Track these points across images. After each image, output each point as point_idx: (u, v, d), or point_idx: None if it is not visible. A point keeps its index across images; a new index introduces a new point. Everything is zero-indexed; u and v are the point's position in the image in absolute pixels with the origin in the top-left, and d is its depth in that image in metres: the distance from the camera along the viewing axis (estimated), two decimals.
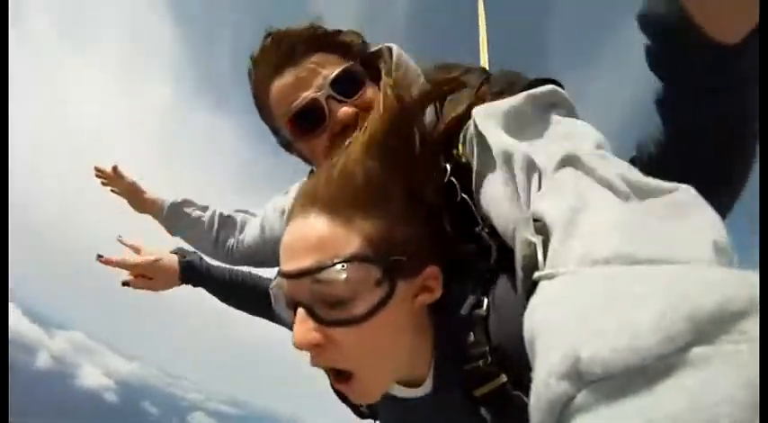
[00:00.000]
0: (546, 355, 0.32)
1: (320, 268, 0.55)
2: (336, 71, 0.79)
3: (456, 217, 0.65)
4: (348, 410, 0.77)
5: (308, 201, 0.60)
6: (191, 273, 1.21)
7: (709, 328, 0.25)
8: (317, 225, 0.58)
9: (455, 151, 0.67)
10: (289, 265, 0.58)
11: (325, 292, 0.56)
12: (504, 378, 0.58)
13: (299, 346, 0.56)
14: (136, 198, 1.39)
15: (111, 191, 1.38)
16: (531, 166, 0.52)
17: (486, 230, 0.62)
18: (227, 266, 1.26)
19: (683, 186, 0.41)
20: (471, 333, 0.60)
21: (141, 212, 1.40)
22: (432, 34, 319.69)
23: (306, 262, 0.56)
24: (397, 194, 0.61)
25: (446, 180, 0.66)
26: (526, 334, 0.37)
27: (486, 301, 0.61)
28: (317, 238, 0.57)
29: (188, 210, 1.36)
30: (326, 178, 0.61)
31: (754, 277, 0.28)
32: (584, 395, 0.28)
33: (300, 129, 0.81)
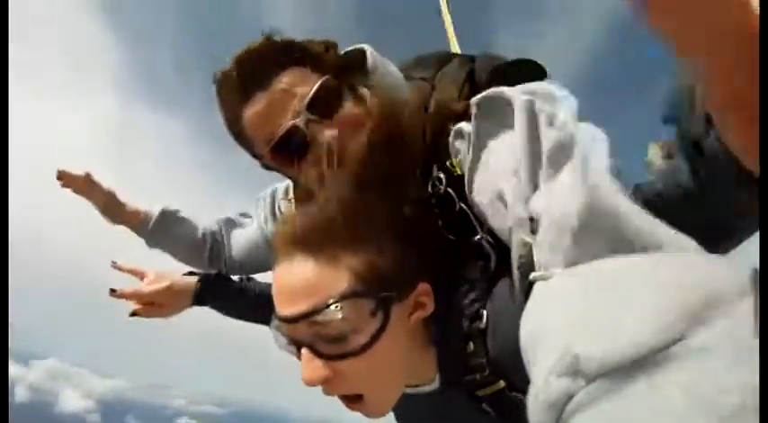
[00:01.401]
0: (544, 355, 0.32)
1: (315, 311, 0.56)
2: (312, 91, 0.71)
3: (454, 227, 0.65)
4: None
5: (291, 243, 0.60)
6: (207, 294, 1.08)
7: (705, 315, 0.25)
8: (303, 269, 0.58)
9: (448, 162, 0.66)
10: (284, 310, 0.58)
11: (323, 331, 0.57)
12: (502, 384, 0.62)
13: (310, 384, 0.57)
14: (114, 208, 1.14)
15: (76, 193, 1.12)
16: (529, 166, 0.50)
17: (487, 238, 0.63)
18: (238, 277, 1.14)
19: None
20: (469, 346, 0.62)
21: (117, 224, 1.16)
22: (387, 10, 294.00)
23: (300, 307, 0.57)
24: (380, 221, 0.60)
25: (443, 191, 0.66)
26: (523, 335, 0.38)
27: (485, 313, 0.61)
28: (306, 282, 0.57)
29: (180, 221, 1.18)
30: (307, 220, 0.60)
31: (739, 261, 0.30)
32: (585, 393, 0.27)
33: (283, 157, 0.75)
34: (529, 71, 0.75)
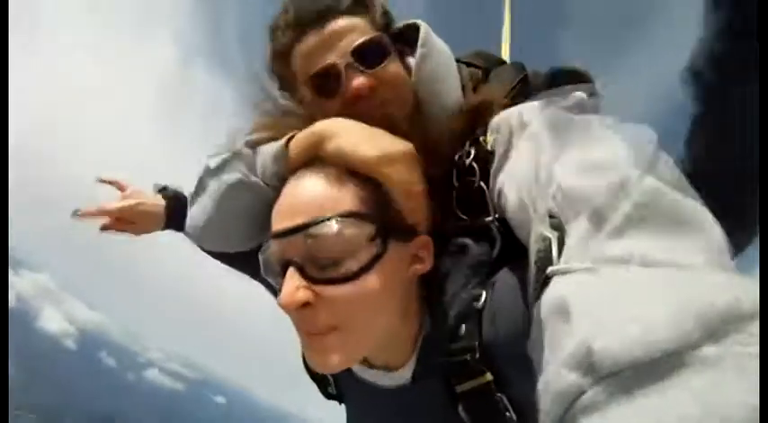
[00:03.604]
0: (559, 347, 0.32)
1: (314, 223, 0.54)
2: (361, 40, 0.72)
3: (469, 203, 0.64)
4: (311, 390, 0.73)
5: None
6: (178, 217, 1.00)
7: (720, 328, 0.26)
8: (311, 185, 0.58)
9: (482, 138, 0.65)
10: (282, 223, 0.56)
11: (318, 247, 0.54)
12: (489, 377, 0.56)
13: (287, 306, 0.52)
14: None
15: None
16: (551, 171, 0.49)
17: (497, 224, 0.61)
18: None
19: (692, 202, 0.40)
20: (463, 325, 0.58)
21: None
22: (453, 24, 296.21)
23: (299, 219, 0.55)
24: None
25: (467, 164, 0.65)
26: (534, 329, 0.38)
27: (484, 295, 0.59)
28: (311, 197, 0.57)
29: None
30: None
31: (759, 282, 0.29)
32: (595, 392, 0.28)
33: (316, 91, 0.75)
34: (577, 78, 0.72)
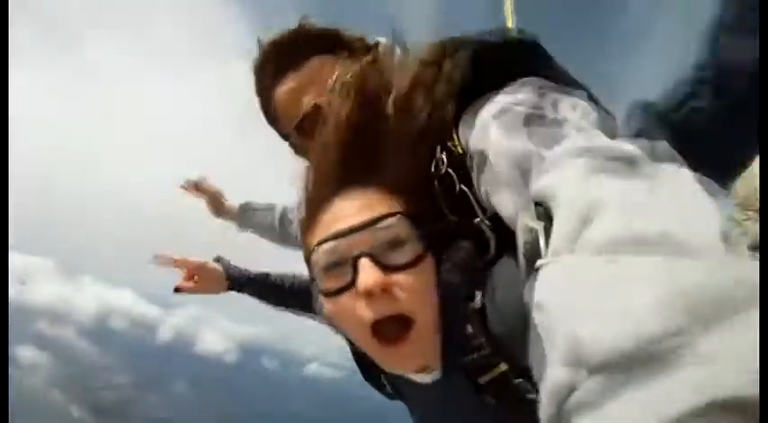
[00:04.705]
0: (549, 342, 0.32)
1: (382, 217, 0.62)
2: (335, 75, 0.81)
3: (455, 209, 0.67)
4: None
5: (344, 184, 0.67)
6: (239, 282, 1.36)
7: (713, 315, 0.25)
8: (361, 195, 0.65)
9: (450, 143, 0.67)
10: (348, 222, 0.63)
11: (386, 236, 0.61)
12: (503, 366, 0.60)
13: (373, 288, 0.58)
14: (217, 206, 1.67)
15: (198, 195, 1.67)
16: (532, 155, 0.52)
17: (487, 223, 0.64)
18: (268, 271, 1.38)
19: (684, 170, 0.40)
20: (468, 325, 0.62)
21: (218, 217, 1.68)
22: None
23: (365, 216, 0.62)
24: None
25: (443, 172, 0.68)
26: (534, 325, 0.37)
27: (478, 294, 0.63)
28: (367, 202, 0.64)
29: (254, 210, 1.61)
30: (367, 161, 0.67)
31: (755, 265, 0.27)
32: (587, 388, 0.27)
33: (307, 134, 0.84)
34: (529, 53, 0.69)
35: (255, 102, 0.92)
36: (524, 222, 0.44)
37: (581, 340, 0.28)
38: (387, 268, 0.60)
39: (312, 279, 0.69)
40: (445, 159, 0.67)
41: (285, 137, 0.94)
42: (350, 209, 0.64)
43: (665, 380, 0.24)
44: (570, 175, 0.42)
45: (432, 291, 0.63)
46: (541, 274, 0.38)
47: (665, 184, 0.38)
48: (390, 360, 0.63)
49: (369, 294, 0.58)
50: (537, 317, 0.35)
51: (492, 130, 0.58)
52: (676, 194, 0.37)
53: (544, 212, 0.42)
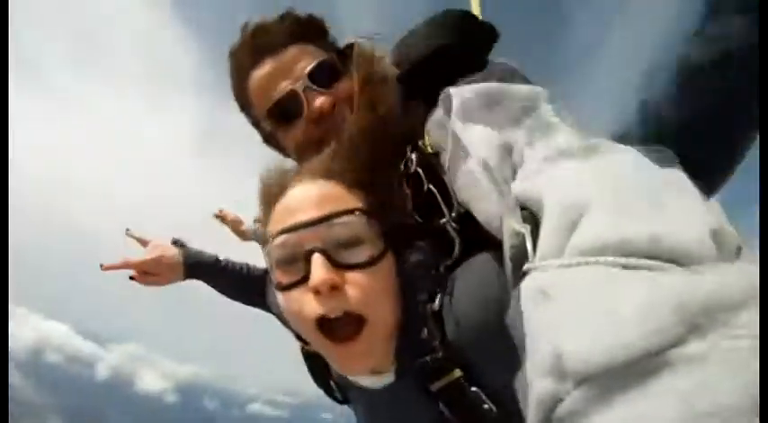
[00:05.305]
0: (533, 354, 0.31)
1: (339, 214, 0.60)
2: (313, 63, 0.80)
3: (422, 208, 0.67)
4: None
5: (308, 172, 0.67)
6: (194, 269, 1.23)
7: (703, 321, 0.24)
8: (320, 187, 0.64)
9: (421, 141, 0.68)
10: (305, 215, 0.61)
11: (342, 233, 0.60)
12: (457, 373, 0.58)
13: (320, 285, 0.57)
14: (238, 229, 2.02)
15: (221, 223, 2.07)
16: (507, 152, 0.51)
17: (453, 224, 0.62)
18: (226, 259, 1.28)
19: (674, 170, 0.40)
20: (424, 328, 0.61)
21: (243, 240, 2.01)
22: None
23: (324, 210, 0.61)
24: (380, 181, 0.67)
25: (413, 170, 0.68)
26: (513, 330, 0.38)
27: (438, 296, 0.61)
28: (325, 195, 0.63)
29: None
30: (332, 153, 0.69)
31: (751, 267, 0.27)
32: (573, 399, 0.26)
33: (279, 118, 0.82)
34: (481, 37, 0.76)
35: (229, 87, 0.89)
36: (510, 226, 0.44)
37: (562, 353, 0.27)
38: (340, 266, 0.59)
39: (266, 271, 0.75)
40: (414, 158, 0.68)
41: (255, 124, 0.92)
42: (307, 201, 0.62)
43: (654, 388, 0.23)
44: (557, 178, 0.42)
45: (388, 291, 0.61)
46: (528, 279, 0.37)
47: (656, 185, 0.37)
48: (340, 359, 0.61)
49: (317, 291, 0.57)
50: (524, 322, 0.34)
51: (461, 126, 0.58)
52: (667, 196, 0.36)
53: (530, 216, 0.42)
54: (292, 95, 0.79)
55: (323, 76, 0.80)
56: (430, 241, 0.64)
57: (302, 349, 0.78)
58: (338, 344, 0.59)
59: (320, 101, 0.78)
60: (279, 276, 0.62)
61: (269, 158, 0.80)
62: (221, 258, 1.27)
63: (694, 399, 0.22)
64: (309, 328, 0.60)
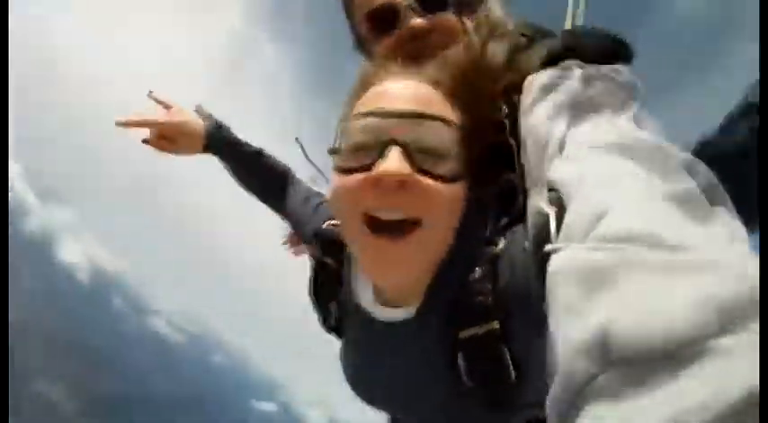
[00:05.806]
0: (572, 330, 0.31)
1: (435, 117, 0.58)
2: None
3: (499, 158, 0.66)
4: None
5: (415, 73, 0.65)
6: (216, 141, 1.09)
7: (739, 319, 0.25)
8: (424, 88, 0.62)
9: (516, 98, 0.66)
10: (400, 105, 0.59)
11: (429, 138, 0.57)
12: (496, 325, 0.57)
13: (392, 174, 0.54)
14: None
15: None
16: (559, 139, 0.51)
17: (518, 179, 0.61)
18: (251, 143, 1.15)
19: (719, 188, 0.39)
20: (478, 268, 0.59)
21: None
22: None
23: (420, 107, 0.59)
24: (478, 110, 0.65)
25: (502, 119, 0.67)
26: (546, 298, 0.37)
27: (502, 241, 0.60)
28: (426, 96, 0.61)
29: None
30: (442, 64, 0.66)
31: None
32: (607, 377, 0.27)
33: (374, 26, 0.82)
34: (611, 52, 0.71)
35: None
36: (536, 204, 0.44)
37: (609, 335, 0.27)
38: (416, 168, 0.56)
39: (289, 171, 0.87)
40: (506, 110, 0.67)
41: (352, 26, 0.91)
42: (407, 94, 0.60)
43: (687, 378, 0.24)
44: (594, 169, 0.41)
45: (453, 214, 0.59)
46: (555, 258, 0.36)
47: (694, 194, 0.36)
48: (379, 255, 0.57)
49: (378, 182, 0.55)
50: (554, 301, 0.34)
51: (535, 102, 0.58)
52: (705, 208, 0.35)
53: (557, 198, 0.41)
54: (392, 6, 0.80)
55: (430, 2, 0.80)
56: (499, 190, 0.65)
57: (316, 260, 0.77)
58: (382, 238, 0.57)
59: (417, 22, 0.78)
60: (344, 160, 0.61)
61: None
62: (243, 139, 1.16)
63: (716, 382, 0.23)
64: (353, 220, 0.58)
